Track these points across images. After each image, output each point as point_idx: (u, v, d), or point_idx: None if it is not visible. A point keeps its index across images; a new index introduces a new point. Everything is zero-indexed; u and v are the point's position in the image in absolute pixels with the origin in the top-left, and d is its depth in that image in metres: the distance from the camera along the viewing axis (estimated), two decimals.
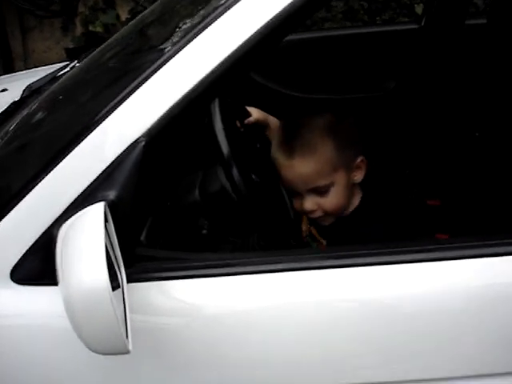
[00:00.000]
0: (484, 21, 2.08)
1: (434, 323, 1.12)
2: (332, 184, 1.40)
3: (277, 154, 1.45)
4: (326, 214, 1.44)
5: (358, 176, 1.45)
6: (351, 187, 1.45)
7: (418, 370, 1.14)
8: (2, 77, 2.66)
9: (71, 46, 4.52)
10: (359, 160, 1.44)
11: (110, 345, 0.94)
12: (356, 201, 1.49)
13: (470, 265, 1.12)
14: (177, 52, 1.13)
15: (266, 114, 1.72)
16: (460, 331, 1.12)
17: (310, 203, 1.42)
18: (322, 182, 1.40)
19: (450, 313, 1.12)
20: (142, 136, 1.07)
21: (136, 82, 1.11)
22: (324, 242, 1.52)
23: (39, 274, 1.09)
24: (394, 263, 1.12)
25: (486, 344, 1.12)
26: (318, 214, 1.44)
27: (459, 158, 2.07)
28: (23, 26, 4.66)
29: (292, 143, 1.41)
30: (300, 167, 1.39)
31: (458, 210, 1.93)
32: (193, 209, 1.43)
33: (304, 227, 1.59)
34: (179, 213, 1.45)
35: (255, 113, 1.70)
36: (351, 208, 1.48)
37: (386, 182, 1.75)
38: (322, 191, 1.41)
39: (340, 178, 1.41)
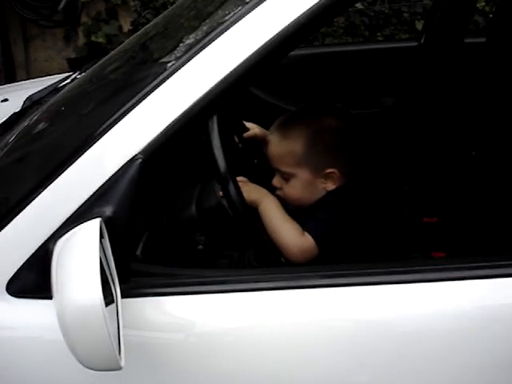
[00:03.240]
0: (483, 39, 2.10)
1: (426, 344, 1.12)
2: (294, 175, 1.48)
3: (272, 126, 1.56)
4: (286, 198, 1.51)
5: (329, 185, 1.50)
6: (320, 191, 1.49)
7: None
8: (3, 86, 2.68)
9: (73, 56, 4.55)
10: (329, 171, 1.48)
11: (103, 361, 0.95)
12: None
13: (463, 286, 1.13)
14: (177, 69, 1.14)
15: (264, 129, 1.73)
16: (450, 351, 1.12)
17: (276, 180, 1.52)
18: (283, 168, 1.49)
19: (442, 334, 1.12)
20: (139, 153, 1.08)
21: (135, 99, 1.12)
22: None
23: (35, 287, 1.10)
24: (387, 283, 1.13)
25: (482, 365, 1.13)
26: (280, 193, 1.51)
27: (456, 176, 2.08)
28: (26, 34, 4.68)
29: (280, 122, 1.53)
30: (272, 144, 1.52)
31: (455, 228, 1.94)
32: (189, 224, 1.44)
33: None
34: (176, 228, 1.45)
35: (254, 128, 1.71)
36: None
37: (384, 198, 1.76)
38: (284, 176, 1.50)
39: (302, 175, 1.48)
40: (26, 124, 1.61)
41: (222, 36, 1.14)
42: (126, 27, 4.49)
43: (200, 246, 1.45)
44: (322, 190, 1.49)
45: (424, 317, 1.13)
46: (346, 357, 1.13)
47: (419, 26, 4.09)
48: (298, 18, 1.11)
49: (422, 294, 1.13)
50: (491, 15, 3.88)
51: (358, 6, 4.17)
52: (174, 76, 1.13)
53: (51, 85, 2.00)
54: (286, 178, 1.49)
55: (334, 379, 1.14)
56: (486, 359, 1.12)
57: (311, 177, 1.48)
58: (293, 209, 1.52)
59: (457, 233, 1.90)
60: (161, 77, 1.13)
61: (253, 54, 1.11)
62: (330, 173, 1.48)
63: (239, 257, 1.56)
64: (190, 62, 1.13)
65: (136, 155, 1.08)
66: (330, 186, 1.49)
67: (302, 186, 1.48)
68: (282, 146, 1.48)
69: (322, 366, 1.13)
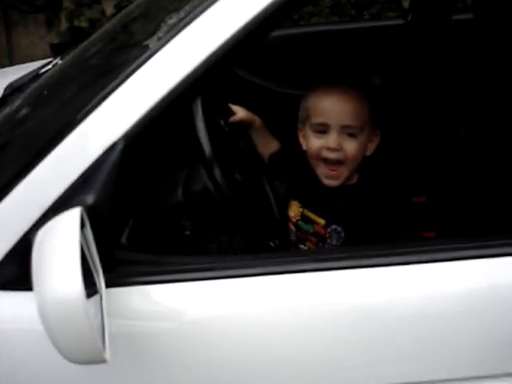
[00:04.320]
0: (470, 16, 2.08)
1: (424, 325, 1.11)
2: (361, 130, 1.46)
3: (318, 88, 1.50)
4: (345, 159, 1.46)
5: (371, 148, 1.50)
6: (362, 157, 1.49)
7: (410, 372, 1.13)
8: None
9: (56, 42, 4.48)
10: (377, 131, 1.50)
11: (86, 355, 0.93)
12: (355, 178, 1.53)
13: (460, 267, 1.12)
14: (157, 50, 1.12)
15: (250, 112, 1.70)
16: (450, 333, 1.11)
17: (335, 140, 1.45)
18: (357, 123, 1.45)
19: (439, 315, 1.11)
20: (120, 139, 1.06)
21: (115, 83, 1.09)
22: (323, 222, 1.53)
23: (17, 279, 1.07)
24: (381, 266, 1.12)
25: (477, 346, 1.12)
26: (338, 155, 1.46)
27: (445, 155, 2.06)
28: (7, 21, 4.61)
29: (339, 84, 1.48)
30: (346, 100, 1.45)
31: (444, 207, 1.93)
32: (176, 209, 1.42)
33: (293, 213, 1.58)
34: (162, 213, 1.43)
35: (239, 111, 1.68)
36: (352, 181, 1.52)
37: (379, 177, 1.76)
38: (351, 133, 1.45)
39: (366, 132, 1.47)
40: (6, 111, 1.58)
41: (203, 15, 1.12)
42: (109, 11, 4.42)
43: (187, 232, 1.43)
44: (364, 154, 1.50)
45: (416, 299, 1.11)
46: (339, 342, 1.11)
47: (406, 4, 4.06)
48: None
49: (414, 277, 1.12)
50: None
51: None
52: (154, 57, 1.10)
53: (32, 71, 1.96)
54: (352, 133, 1.45)
55: (327, 364, 1.13)
56: (481, 341, 1.11)
57: (368, 137, 1.48)
58: (339, 184, 1.49)
59: (446, 211, 1.89)
60: (141, 59, 1.11)
61: (236, 32, 1.09)
62: (376, 135, 1.50)
63: (228, 241, 1.55)
64: (171, 42, 1.11)
65: (117, 141, 1.06)
66: (371, 150, 1.50)
67: (362, 144, 1.46)
68: (357, 101, 1.45)
69: (315, 351, 1.12)
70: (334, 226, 1.50)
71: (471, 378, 1.13)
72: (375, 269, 1.12)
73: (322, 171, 1.49)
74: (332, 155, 1.46)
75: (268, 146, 1.71)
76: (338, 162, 1.46)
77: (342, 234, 1.50)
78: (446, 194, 1.98)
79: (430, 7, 2.37)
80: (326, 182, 1.49)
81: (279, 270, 1.12)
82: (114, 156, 1.05)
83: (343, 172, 1.48)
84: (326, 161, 1.47)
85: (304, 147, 1.53)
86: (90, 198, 1.03)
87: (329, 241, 1.51)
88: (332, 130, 1.45)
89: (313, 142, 1.48)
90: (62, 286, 0.90)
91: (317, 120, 1.47)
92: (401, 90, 2.31)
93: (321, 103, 1.47)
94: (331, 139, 1.45)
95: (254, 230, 1.42)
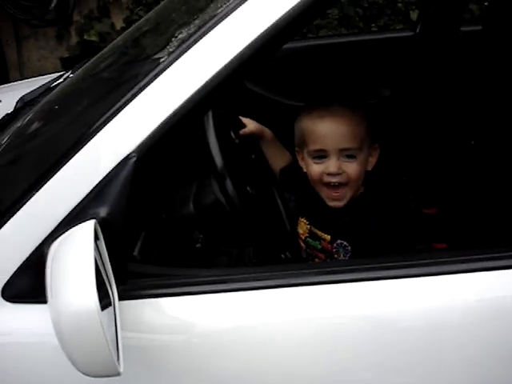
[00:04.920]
0: (479, 27, 2.08)
1: (433, 337, 1.10)
2: (360, 150, 1.46)
3: (311, 112, 1.50)
4: (348, 181, 1.47)
5: (372, 162, 1.51)
6: (364, 174, 1.50)
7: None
8: None
9: (66, 56, 4.51)
10: (375, 146, 1.51)
11: (100, 367, 0.93)
12: (360, 191, 1.53)
13: (466, 279, 1.11)
14: (169, 65, 1.12)
15: (260, 125, 1.71)
16: (456, 345, 1.11)
17: (335, 165, 1.45)
18: (354, 145, 1.45)
19: (450, 326, 1.11)
20: (133, 152, 1.06)
21: (127, 97, 1.09)
22: (328, 238, 1.53)
23: (30, 291, 1.08)
24: (388, 278, 1.11)
25: (483, 358, 1.11)
26: (340, 179, 1.46)
27: (455, 166, 2.06)
28: (18, 35, 4.65)
29: (333, 106, 1.48)
30: (340, 123, 1.45)
31: (455, 219, 1.92)
32: (187, 222, 1.42)
33: (301, 230, 1.58)
34: (174, 226, 1.43)
35: (250, 124, 1.69)
36: (357, 194, 1.52)
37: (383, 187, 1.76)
38: (350, 155, 1.45)
39: (364, 150, 1.47)
40: (18, 125, 1.59)
41: (214, 30, 1.12)
42: (119, 25, 4.46)
43: (198, 245, 1.43)
44: (365, 170, 1.50)
45: (428, 311, 1.11)
46: (350, 354, 1.11)
47: (413, 16, 4.07)
48: (291, 9, 1.09)
49: (425, 289, 1.11)
50: (486, 3, 3.86)
51: None
52: (166, 72, 1.11)
53: (43, 85, 1.97)
54: (351, 155, 1.45)
55: (337, 377, 1.12)
56: (492, 352, 1.11)
57: (367, 153, 1.48)
58: (344, 205, 1.49)
59: (457, 223, 1.88)
60: (153, 73, 1.11)
61: (246, 47, 1.09)
62: (375, 148, 1.51)
63: (239, 254, 1.55)
64: (183, 57, 1.11)
65: (130, 154, 1.06)
66: (372, 164, 1.51)
67: (362, 163, 1.47)
68: (352, 123, 1.45)
69: (324, 363, 1.11)
70: (339, 241, 1.50)
71: None
72: (386, 281, 1.11)
73: (325, 194, 1.50)
74: (334, 179, 1.46)
75: (279, 159, 1.72)
76: (340, 185, 1.47)
77: (349, 248, 1.50)
78: (456, 206, 1.97)
79: (439, 19, 2.38)
80: (331, 204, 1.50)
81: (290, 283, 1.12)
82: (127, 169, 1.05)
83: (346, 193, 1.48)
84: (328, 185, 1.47)
85: (304, 169, 1.54)
86: (103, 211, 1.04)
87: (336, 256, 1.51)
88: (331, 154, 1.45)
89: (313, 169, 1.49)
90: (76, 299, 0.90)
91: (314, 147, 1.47)
92: (410, 101, 2.32)
93: (316, 129, 1.47)
94: (331, 164, 1.45)
95: (265, 243, 1.42)
